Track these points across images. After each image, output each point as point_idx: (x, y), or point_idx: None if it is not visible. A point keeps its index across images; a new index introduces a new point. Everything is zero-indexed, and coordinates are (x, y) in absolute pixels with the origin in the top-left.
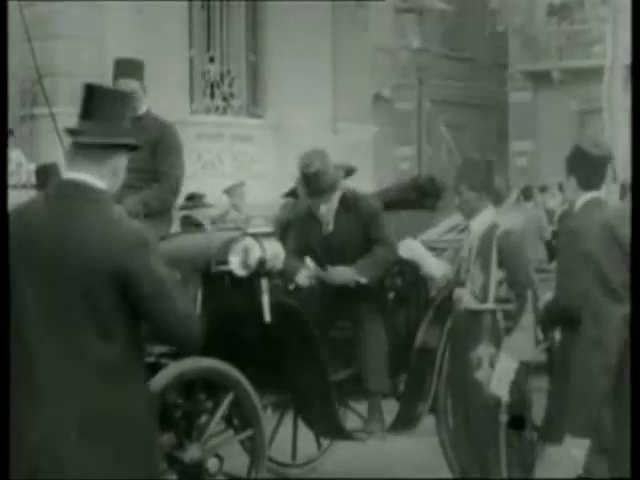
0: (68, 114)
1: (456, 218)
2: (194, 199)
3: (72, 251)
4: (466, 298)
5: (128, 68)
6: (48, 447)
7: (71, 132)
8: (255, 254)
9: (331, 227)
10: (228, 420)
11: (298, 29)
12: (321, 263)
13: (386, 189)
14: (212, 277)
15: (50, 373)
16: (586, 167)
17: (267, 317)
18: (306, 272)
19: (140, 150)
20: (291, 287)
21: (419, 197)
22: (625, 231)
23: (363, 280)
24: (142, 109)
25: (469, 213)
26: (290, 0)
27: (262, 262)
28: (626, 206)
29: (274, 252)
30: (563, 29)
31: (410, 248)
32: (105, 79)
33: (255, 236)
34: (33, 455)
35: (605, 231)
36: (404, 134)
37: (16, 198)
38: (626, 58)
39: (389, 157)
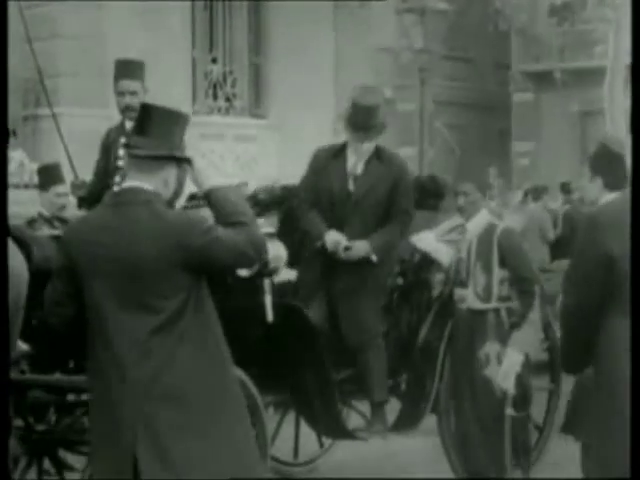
0: (70, 114)
1: (457, 219)
2: (196, 199)
3: (127, 242)
4: (470, 299)
5: (129, 69)
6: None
7: (128, 146)
8: None
9: (360, 171)
10: None
11: (300, 30)
12: (335, 218)
13: None
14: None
15: (133, 360)
16: (614, 167)
17: (269, 317)
18: (335, 236)
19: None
20: (318, 244)
21: (421, 197)
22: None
23: (374, 258)
24: None
25: (471, 214)
26: (292, 0)
27: (265, 262)
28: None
29: (276, 253)
30: (565, 30)
31: (420, 239)
32: (107, 79)
33: None
34: (130, 425)
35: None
36: (406, 134)
37: (18, 198)
38: (628, 59)
39: None
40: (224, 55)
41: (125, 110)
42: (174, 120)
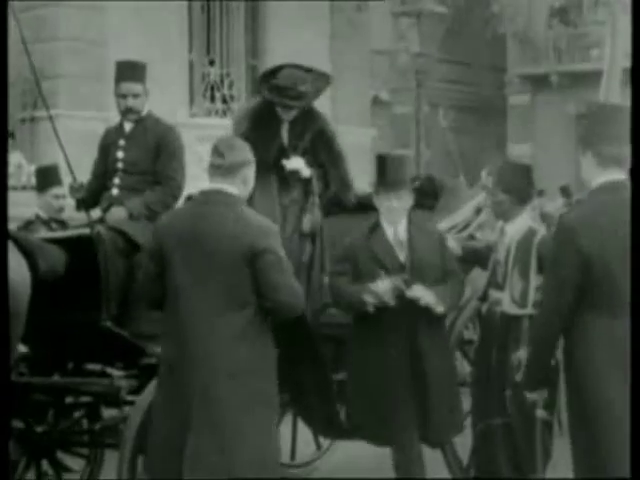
0: (68, 116)
1: (452, 220)
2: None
3: (214, 241)
4: (505, 303)
5: (131, 71)
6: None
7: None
8: None
9: (404, 236)
10: None
11: (297, 32)
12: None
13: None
14: None
15: (198, 334)
16: (611, 132)
17: None
18: (387, 284)
19: (142, 153)
20: (369, 299)
21: (418, 197)
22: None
23: (440, 309)
24: (144, 111)
25: (500, 215)
26: (289, 0)
27: None
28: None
29: None
30: (561, 33)
31: None
32: (105, 82)
33: None
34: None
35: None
36: (402, 137)
37: (15, 199)
38: (624, 62)
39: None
40: (221, 57)
41: (127, 112)
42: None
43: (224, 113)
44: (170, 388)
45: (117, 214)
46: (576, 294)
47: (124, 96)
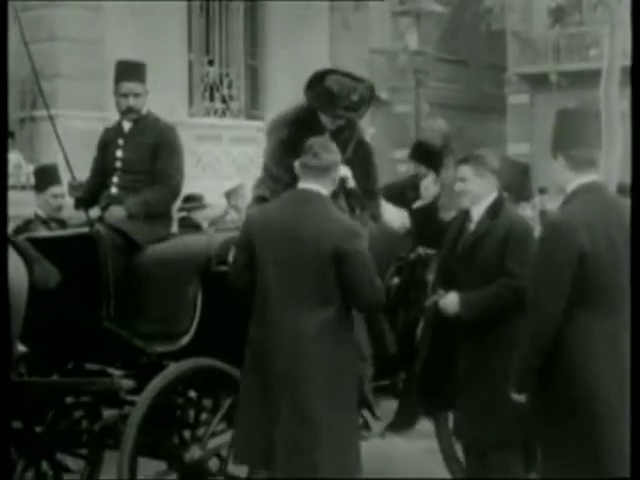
0: (67, 116)
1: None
2: (192, 201)
3: (303, 239)
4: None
5: (132, 70)
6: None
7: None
8: None
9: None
10: (230, 420)
11: (296, 31)
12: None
13: (384, 187)
14: (212, 277)
15: (285, 327)
16: (582, 136)
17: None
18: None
19: (141, 152)
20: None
21: (416, 195)
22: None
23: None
24: (144, 110)
25: None
26: (288, 0)
27: None
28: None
29: None
30: (560, 32)
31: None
32: (104, 82)
33: None
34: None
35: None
36: (402, 136)
37: (14, 199)
38: (623, 61)
39: (387, 159)
40: (220, 57)
41: (127, 112)
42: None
43: (223, 113)
44: (257, 375)
45: (116, 213)
46: (568, 292)
47: (125, 95)
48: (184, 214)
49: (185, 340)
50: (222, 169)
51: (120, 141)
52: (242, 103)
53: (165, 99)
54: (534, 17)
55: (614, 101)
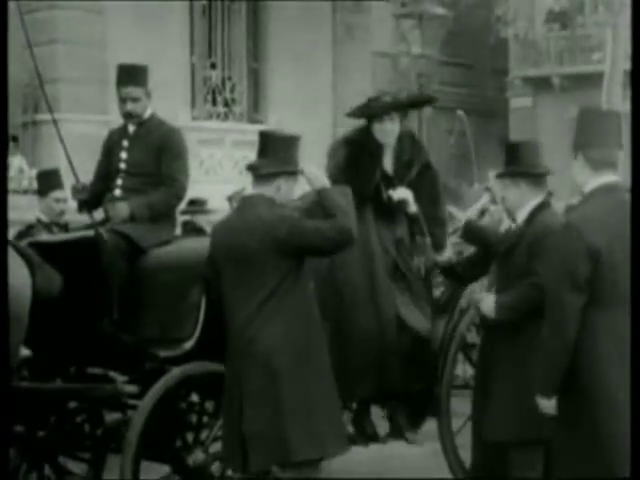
0: (69, 120)
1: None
2: (196, 204)
3: (241, 236)
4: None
5: (131, 75)
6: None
7: (251, 168)
8: None
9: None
10: None
11: (298, 35)
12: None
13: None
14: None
15: (239, 316)
16: (601, 136)
17: None
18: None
19: (145, 154)
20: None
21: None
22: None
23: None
24: (147, 114)
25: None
26: (291, 0)
27: None
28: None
29: None
30: (563, 35)
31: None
32: (107, 85)
33: None
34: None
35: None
36: None
37: (17, 203)
38: (626, 64)
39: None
40: (223, 60)
41: (126, 116)
42: (288, 143)
43: (225, 116)
44: (228, 388)
45: (120, 209)
46: (587, 290)
47: (124, 100)
48: (187, 218)
49: (189, 345)
50: (224, 173)
51: (125, 143)
52: (244, 106)
53: (167, 103)
54: (536, 20)
55: (617, 104)
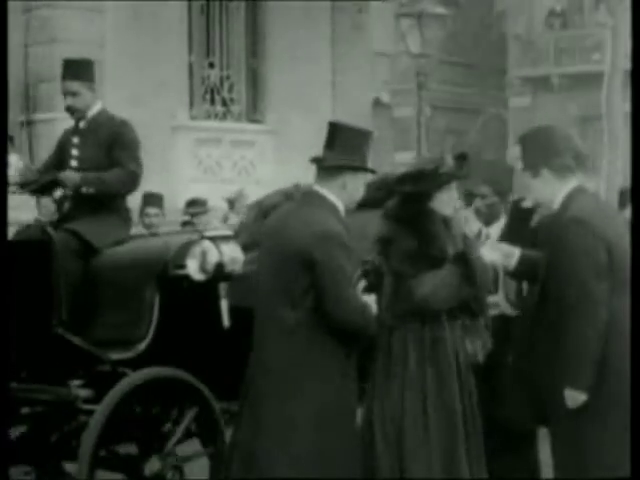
0: (66, 119)
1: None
2: (196, 205)
3: (280, 243)
4: (503, 305)
5: (72, 69)
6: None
7: (315, 160)
8: (212, 258)
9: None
10: (190, 432)
11: (297, 34)
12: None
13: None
14: (170, 282)
15: (257, 328)
16: (557, 146)
17: (226, 322)
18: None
19: (95, 149)
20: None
21: (386, 196)
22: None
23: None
24: (93, 110)
25: (489, 218)
26: (290, 0)
27: (220, 266)
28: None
29: (232, 256)
30: (562, 34)
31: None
32: (104, 85)
33: (213, 239)
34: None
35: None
36: (403, 139)
37: (13, 203)
38: (626, 64)
39: (388, 162)
40: (221, 60)
41: (67, 110)
42: (358, 136)
43: (224, 116)
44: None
45: (70, 175)
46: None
47: (64, 94)
48: (187, 218)
49: (142, 347)
50: (222, 172)
51: (75, 140)
52: (243, 106)
53: (166, 102)
54: (535, 19)
55: (617, 104)
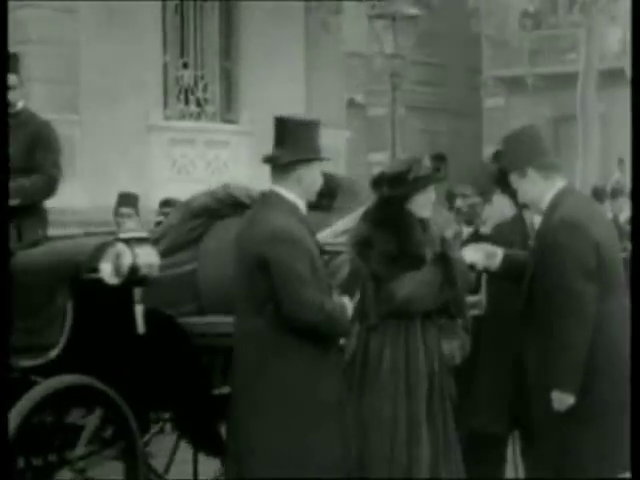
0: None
1: (349, 221)
2: (169, 205)
3: (240, 245)
4: (482, 306)
5: (14, 62)
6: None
7: (267, 159)
8: (127, 260)
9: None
10: (101, 440)
11: (272, 34)
12: None
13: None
14: (83, 286)
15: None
16: (542, 146)
17: (140, 328)
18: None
19: (16, 149)
20: None
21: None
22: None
23: None
24: (19, 105)
25: (470, 218)
26: (264, 0)
27: (134, 269)
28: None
29: (147, 258)
30: (536, 35)
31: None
32: (79, 85)
33: (127, 241)
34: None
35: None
36: (377, 140)
37: None
38: (600, 64)
39: (362, 163)
40: (195, 60)
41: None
42: (307, 128)
43: (198, 116)
44: None
45: None
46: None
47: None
48: (161, 219)
49: (54, 353)
50: (196, 172)
51: None
52: (217, 106)
53: (140, 102)
54: (509, 20)
55: (591, 104)
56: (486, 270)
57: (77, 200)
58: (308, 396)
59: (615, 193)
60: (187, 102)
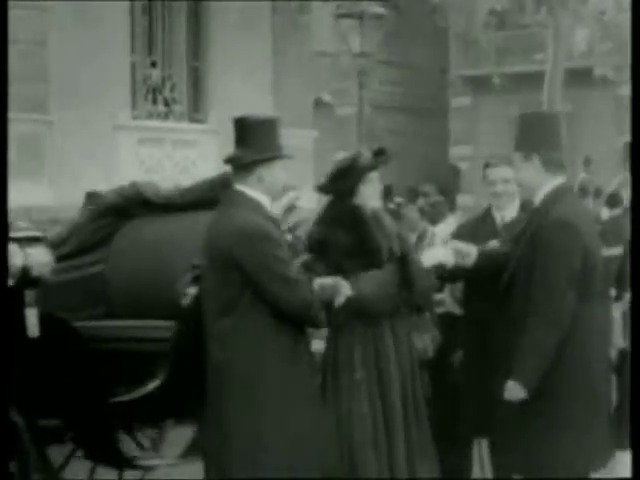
0: (11, 119)
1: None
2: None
3: (208, 247)
4: (449, 304)
5: None
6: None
7: (228, 160)
8: (17, 261)
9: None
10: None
11: (239, 34)
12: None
13: (187, 189)
14: None
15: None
16: (555, 139)
17: (33, 332)
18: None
19: None
20: None
21: (217, 196)
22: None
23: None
24: None
25: (434, 217)
26: (231, 1)
27: (26, 270)
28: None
29: (40, 259)
30: (503, 34)
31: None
32: (48, 84)
33: (18, 241)
34: None
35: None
36: (344, 139)
37: None
38: (566, 63)
39: (330, 162)
40: (163, 59)
41: None
42: (266, 127)
43: (166, 116)
44: None
45: None
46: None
47: None
48: None
49: None
50: (164, 172)
51: None
52: (185, 106)
53: (108, 102)
54: (476, 19)
55: (557, 104)
56: (459, 268)
57: (44, 198)
58: (281, 390)
59: (581, 193)
60: (155, 102)
